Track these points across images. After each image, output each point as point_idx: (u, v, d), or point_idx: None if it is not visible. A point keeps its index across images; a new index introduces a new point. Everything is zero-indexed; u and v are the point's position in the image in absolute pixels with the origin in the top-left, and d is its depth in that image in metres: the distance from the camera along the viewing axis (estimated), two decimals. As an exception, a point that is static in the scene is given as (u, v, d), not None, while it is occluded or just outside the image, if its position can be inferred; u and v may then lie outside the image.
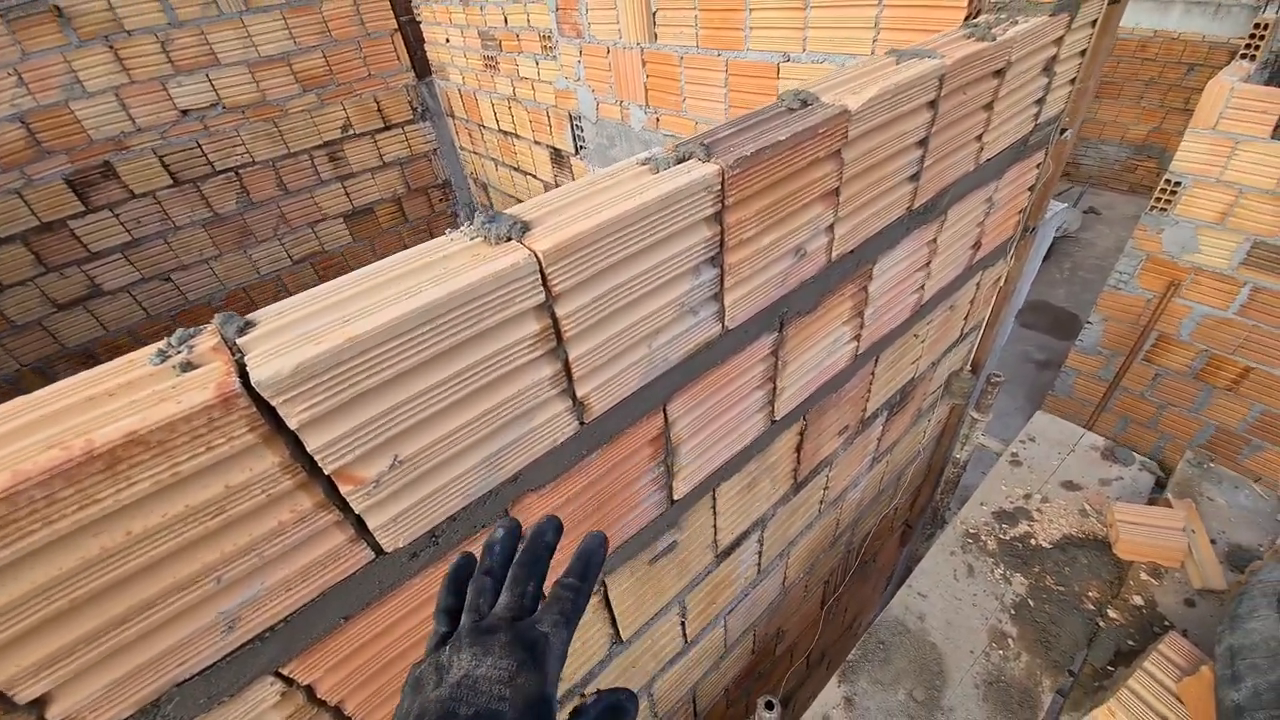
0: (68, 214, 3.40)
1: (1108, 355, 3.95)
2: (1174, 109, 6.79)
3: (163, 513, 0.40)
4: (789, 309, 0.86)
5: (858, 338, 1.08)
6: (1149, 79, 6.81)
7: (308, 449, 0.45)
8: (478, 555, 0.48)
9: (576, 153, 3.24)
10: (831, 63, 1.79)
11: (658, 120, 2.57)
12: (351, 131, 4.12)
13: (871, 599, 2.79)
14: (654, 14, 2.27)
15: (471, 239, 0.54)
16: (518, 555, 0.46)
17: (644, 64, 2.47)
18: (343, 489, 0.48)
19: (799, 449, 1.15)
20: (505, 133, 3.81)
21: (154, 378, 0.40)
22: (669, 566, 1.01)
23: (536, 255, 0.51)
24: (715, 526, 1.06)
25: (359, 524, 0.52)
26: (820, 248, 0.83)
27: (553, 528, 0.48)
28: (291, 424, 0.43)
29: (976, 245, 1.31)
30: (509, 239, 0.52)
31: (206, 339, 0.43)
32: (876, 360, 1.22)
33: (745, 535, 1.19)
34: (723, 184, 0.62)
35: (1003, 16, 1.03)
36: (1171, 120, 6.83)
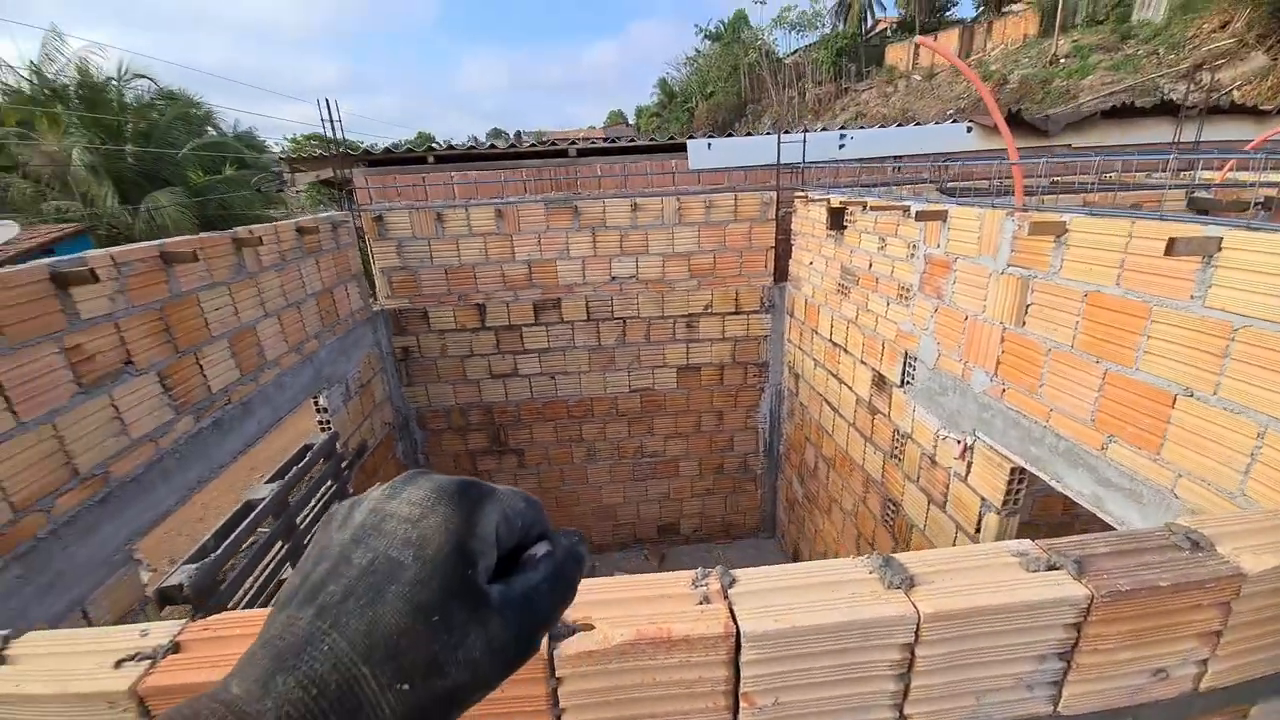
0: (524, 322, 5.10)
1: None
2: None
3: (659, 679, 0.72)
4: (1134, 719, 0.85)
5: (1225, 778, 0.94)
6: None
7: (741, 676, 0.73)
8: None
9: (901, 385, 3.41)
10: (1249, 418, 1.61)
11: (1003, 391, 2.59)
12: (710, 310, 5.18)
13: None
14: (1027, 306, 2.39)
15: (870, 572, 0.79)
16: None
17: (1002, 340, 2.57)
18: (742, 705, 0.75)
19: None
20: (835, 344, 4.25)
21: (689, 598, 0.75)
22: None
23: (919, 613, 0.73)
24: None
25: (734, 728, 0.77)
26: (1187, 676, 0.83)
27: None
28: (743, 659, 0.72)
29: None
30: (899, 587, 0.76)
31: (713, 581, 0.78)
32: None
33: None
34: (1089, 606, 0.74)
35: None
36: None
